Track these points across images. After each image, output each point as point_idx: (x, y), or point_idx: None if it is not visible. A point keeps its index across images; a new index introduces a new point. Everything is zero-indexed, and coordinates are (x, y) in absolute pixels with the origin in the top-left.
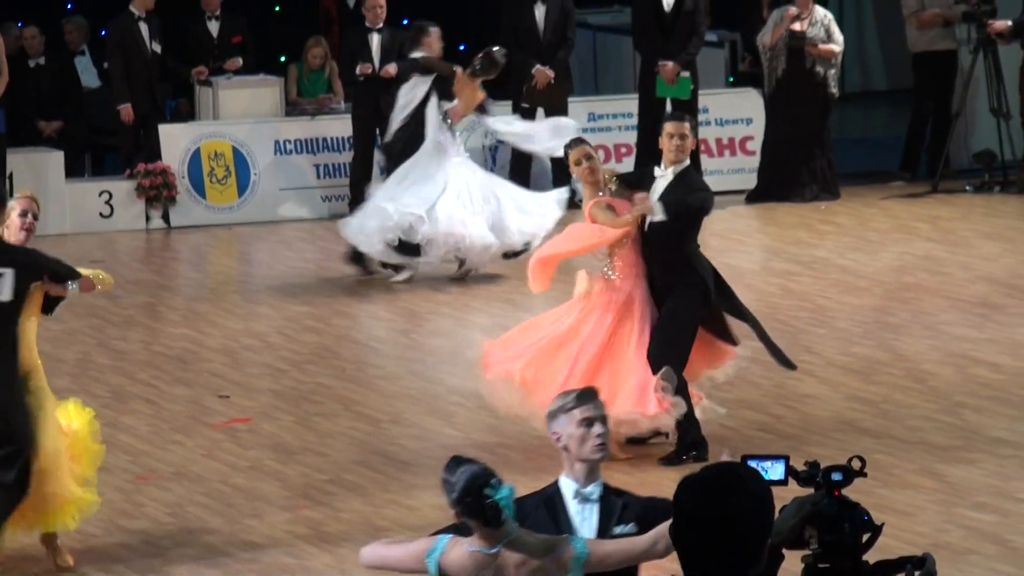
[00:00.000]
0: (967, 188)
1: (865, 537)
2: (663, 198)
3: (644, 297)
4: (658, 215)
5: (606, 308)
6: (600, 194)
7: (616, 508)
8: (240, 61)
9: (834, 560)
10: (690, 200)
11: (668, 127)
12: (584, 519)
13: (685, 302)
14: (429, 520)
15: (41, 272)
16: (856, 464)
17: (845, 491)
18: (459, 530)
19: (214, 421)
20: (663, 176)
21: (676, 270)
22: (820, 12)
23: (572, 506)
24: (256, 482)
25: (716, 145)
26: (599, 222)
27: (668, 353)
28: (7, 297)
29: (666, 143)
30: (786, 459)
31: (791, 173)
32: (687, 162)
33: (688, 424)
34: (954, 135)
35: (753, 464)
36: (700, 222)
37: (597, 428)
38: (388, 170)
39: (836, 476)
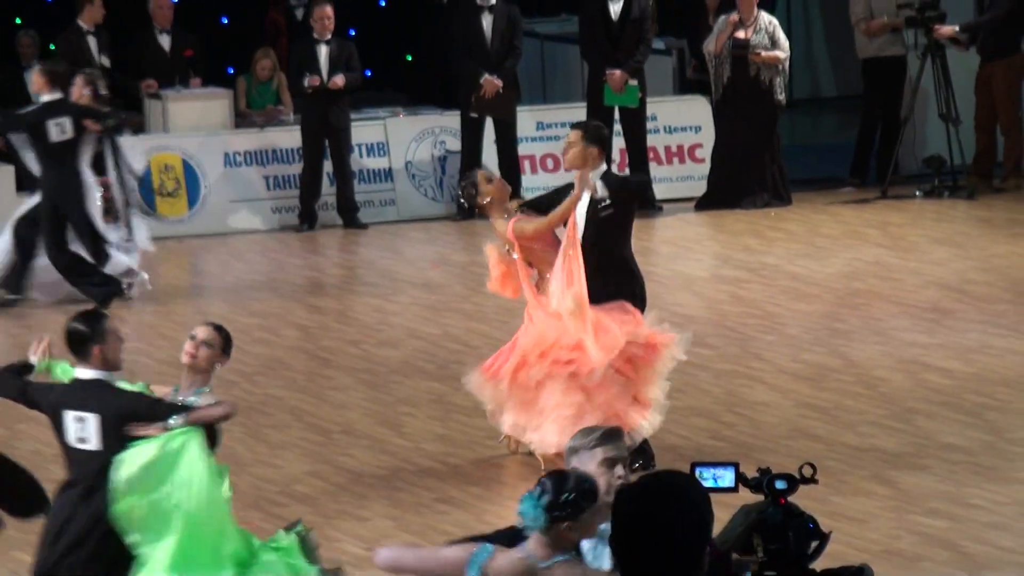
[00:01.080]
0: (917, 194)
1: (812, 546)
2: (603, 178)
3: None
4: (600, 192)
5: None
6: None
7: None
8: (199, 80)
9: (779, 568)
10: (629, 179)
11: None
12: (597, 556)
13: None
14: (380, 531)
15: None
16: (807, 471)
17: (797, 498)
18: (499, 540)
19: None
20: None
21: (615, 277)
22: (765, 18)
23: (584, 543)
24: None
25: (665, 153)
26: (533, 228)
27: None
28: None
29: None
30: (736, 466)
31: (741, 180)
32: (602, 167)
33: None
34: (903, 141)
35: (703, 471)
36: (632, 219)
37: (619, 470)
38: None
39: (780, 484)
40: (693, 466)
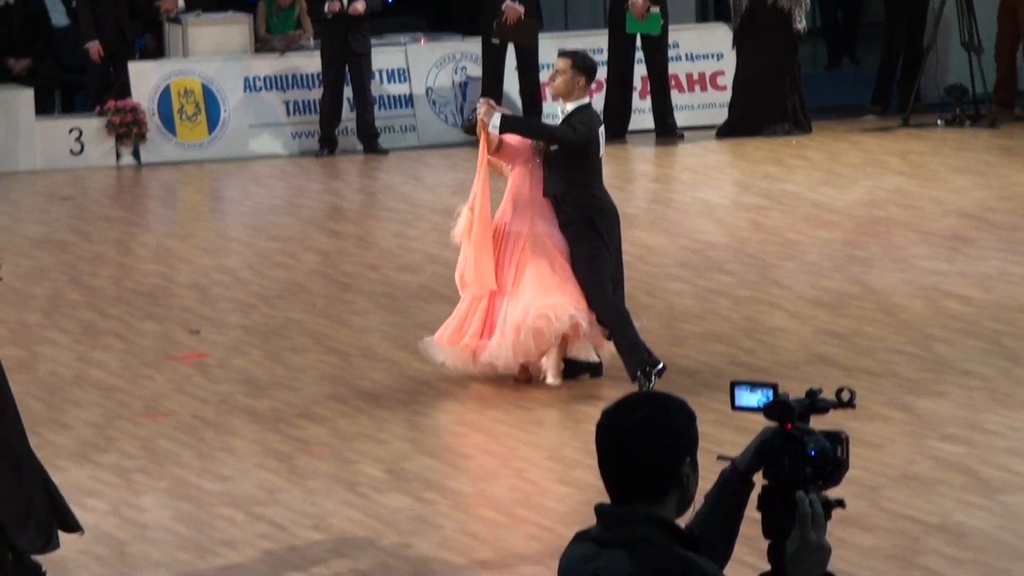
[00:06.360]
0: (938, 122)
1: (809, 470)
2: (577, 112)
3: (548, 230)
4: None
5: (513, 249)
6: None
7: None
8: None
9: (777, 492)
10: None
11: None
12: None
13: (575, 242)
14: (398, 453)
15: None
16: (845, 395)
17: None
18: None
19: (176, 354)
20: (563, 113)
21: (567, 208)
22: None
23: None
24: (227, 416)
25: (687, 80)
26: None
27: (596, 297)
28: None
29: None
30: (775, 387)
31: (761, 108)
32: (584, 100)
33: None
34: (925, 69)
35: (741, 390)
36: (579, 157)
37: None
38: None
39: (781, 410)
40: (732, 384)
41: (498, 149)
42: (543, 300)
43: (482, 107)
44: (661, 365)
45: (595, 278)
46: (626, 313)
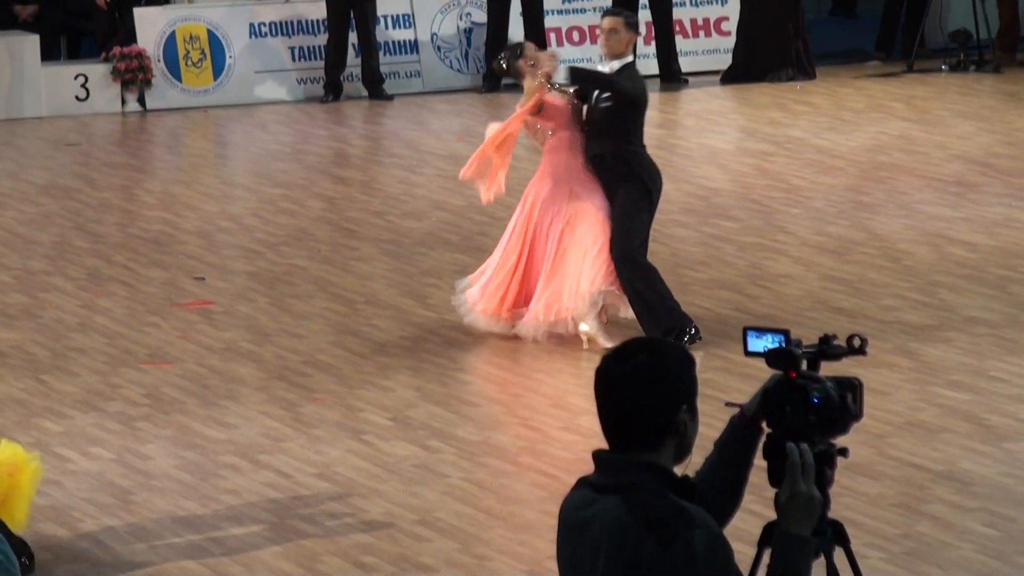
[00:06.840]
0: (943, 67)
1: (813, 418)
2: (625, 69)
3: (588, 195)
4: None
5: (553, 221)
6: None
7: None
8: None
9: (781, 441)
10: (605, 78)
11: (603, 21)
12: None
13: (624, 196)
14: (403, 400)
15: None
16: (856, 342)
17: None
18: None
19: (181, 301)
20: (611, 71)
21: (613, 165)
22: None
23: None
24: (231, 363)
25: (691, 26)
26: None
27: (624, 250)
28: None
29: (600, 37)
30: (786, 333)
31: (766, 54)
32: (629, 58)
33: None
34: (930, 14)
35: (753, 335)
36: (632, 113)
37: None
38: None
39: (784, 358)
40: (745, 330)
41: (539, 110)
42: (581, 286)
43: (551, 62)
44: (690, 331)
45: (628, 234)
46: (647, 274)
